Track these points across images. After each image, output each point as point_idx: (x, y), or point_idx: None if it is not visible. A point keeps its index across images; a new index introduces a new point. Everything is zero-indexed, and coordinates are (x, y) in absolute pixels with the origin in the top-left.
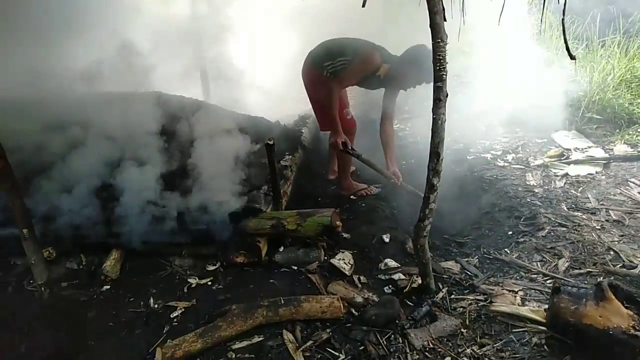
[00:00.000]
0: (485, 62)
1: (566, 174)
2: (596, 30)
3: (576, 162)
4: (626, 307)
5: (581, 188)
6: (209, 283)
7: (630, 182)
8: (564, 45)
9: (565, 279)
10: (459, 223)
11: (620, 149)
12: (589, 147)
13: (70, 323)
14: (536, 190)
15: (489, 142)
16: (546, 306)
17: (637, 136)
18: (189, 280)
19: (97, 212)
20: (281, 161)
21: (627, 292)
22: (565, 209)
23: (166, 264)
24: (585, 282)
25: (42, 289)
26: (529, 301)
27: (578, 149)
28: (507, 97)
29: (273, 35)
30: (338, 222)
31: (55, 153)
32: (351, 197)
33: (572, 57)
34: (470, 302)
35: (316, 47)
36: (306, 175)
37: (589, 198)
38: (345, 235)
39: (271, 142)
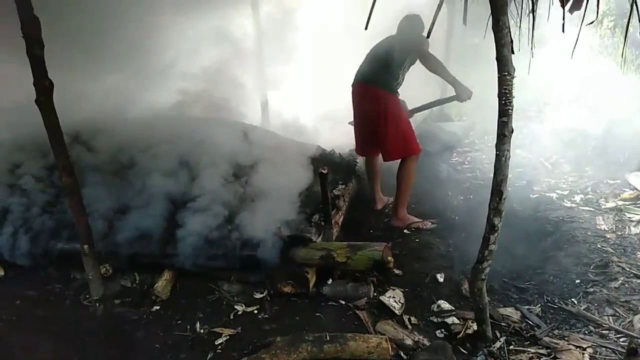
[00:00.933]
0: (551, 96)
1: None
2: None
3: None
4: None
5: None
6: (255, 311)
7: None
8: None
9: None
10: (520, 266)
11: None
12: None
13: (120, 341)
14: (608, 236)
15: (555, 181)
16: None
17: None
18: (235, 306)
19: (156, 231)
20: (334, 190)
21: None
22: None
23: (215, 289)
24: None
25: (97, 304)
26: None
27: None
28: (575, 133)
29: (332, 61)
30: (390, 258)
31: (124, 171)
32: (405, 230)
33: None
34: (531, 355)
35: (367, 70)
36: (359, 205)
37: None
38: (396, 271)
39: (325, 172)
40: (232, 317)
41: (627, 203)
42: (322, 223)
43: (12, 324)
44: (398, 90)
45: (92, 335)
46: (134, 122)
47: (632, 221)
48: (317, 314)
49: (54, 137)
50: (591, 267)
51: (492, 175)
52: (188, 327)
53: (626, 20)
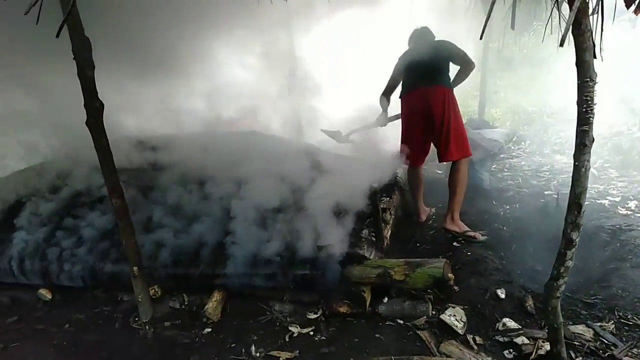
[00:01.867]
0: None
1: None
2: None
3: None
4: None
5: None
6: (311, 333)
7: None
8: None
9: None
10: (582, 279)
11: None
12: None
13: None
14: None
15: (604, 187)
16: None
17: None
18: (290, 328)
19: (206, 251)
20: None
21: None
22: None
23: (266, 309)
24: None
25: (147, 327)
26: None
27: None
28: (621, 136)
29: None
30: (450, 275)
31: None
32: (455, 241)
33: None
34: None
35: (423, 74)
36: (402, 218)
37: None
38: (454, 287)
39: (376, 186)
40: (287, 339)
41: None
42: (373, 239)
43: (64, 349)
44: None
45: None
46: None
47: None
48: (377, 335)
49: (104, 158)
50: None
51: (570, 187)
52: (243, 350)
53: None
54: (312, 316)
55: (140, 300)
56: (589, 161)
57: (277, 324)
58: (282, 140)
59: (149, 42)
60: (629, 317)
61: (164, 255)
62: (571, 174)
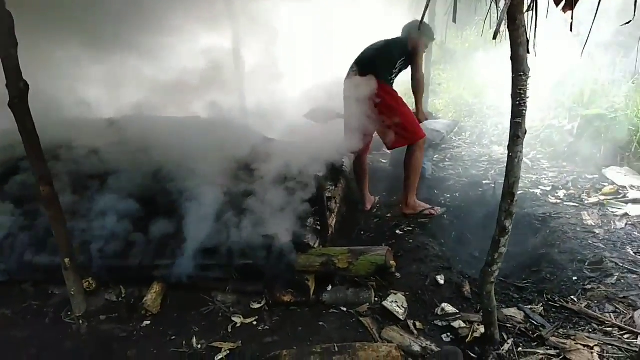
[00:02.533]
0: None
1: (626, 214)
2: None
3: (634, 201)
4: None
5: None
6: (254, 323)
7: None
8: None
9: None
10: (515, 264)
11: None
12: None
13: None
14: (596, 231)
15: (536, 177)
16: None
17: None
18: (232, 318)
19: (141, 241)
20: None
21: None
22: (632, 253)
23: (209, 300)
24: None
25: (80, 321)
26: (607, 359)
27: (634, 186)
28: (551, 129)
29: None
30: (392, 262)
31: (101, 177)
32: (398, 229)
33: None
34: (541, 356)
35: (365, 62)
36: (347, 206)
37: None
38: (396, 274)
39: (321, 174)
40: (230, 329)
41: (609, 198)
42: (318, 227)
43: None
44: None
45: (77, 355)
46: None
47: (616, 216)
48: (320, 323)
49: (29, 143)
50: (586, 264)
51: (504, 176)
52: (184, 342)
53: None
54: (256, 306)
55: (72, 293)
56: (521, 152)
57: (220, 314)
58: (227, 128)
59: (81, 17)
60: (556, 299)
61: (99, 246)
62: (505, 164)
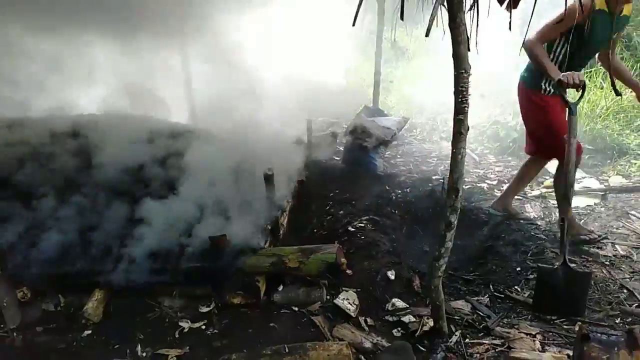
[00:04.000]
0: (474, 89)
1: None
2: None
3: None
4: None
5: (582, 220)
6: (203, 327)
7: (631, 214)
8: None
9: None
10: (463, 257)
11: (615, 180)
12: (583, 178)
13: None
14: (538, 223)
15: (483, 171)
16: (568, 352)
17: (629, 167)
18: (180, 323)
19: (80, 246)
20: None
21: None
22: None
23: (155, 305)
24: (605, 324)
25: (14, 334)
26: (548, 346)
27: None
28: (497, 125)
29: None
30: (343, 260)
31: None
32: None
33: (617, 94)
34: (487, 347)
35: None
36: (298, 204)
37: (592, 231)
38: (348, 272)
39: (270, 173)
40: (177, 335)
41: (549, 190)
42: (269, 227)
43: None
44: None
45: None
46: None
47: (556, 207)
48: (271, 324)
49: None
50: (529, 255)
51: (450, 170)
52: (128, 351)
53: None
54: (205, 309)
55: (5, 304)
56: (465, 148)
57: (167, 320)
58: (176, 126)
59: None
60: (501, 290)
61: (34, 254)
62: None
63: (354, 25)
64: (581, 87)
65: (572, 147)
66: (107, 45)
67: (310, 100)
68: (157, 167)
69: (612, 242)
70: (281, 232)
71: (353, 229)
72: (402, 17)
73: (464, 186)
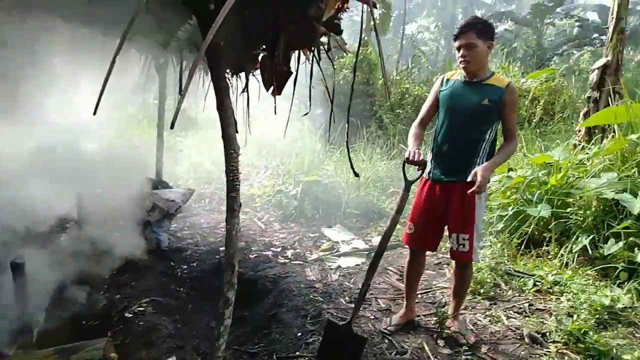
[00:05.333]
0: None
1: (339, 267)
2: (344, 136)
3: (345, 254)
4: None
5: (353, 279)
6: None
7: (389, 269)
8: (349, 164)
9: None
10: (250, 329)
11: (377, 240)
12: (352, 239)
13: None
14: (317, 286)
15: (269, 239)
16: None
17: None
18: None
19: None
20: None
21: None
22: (344, 302)
23: None
24: None
25: None
26: None
27: (344, 241)
28: (281, 194)
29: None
30: (113, 355)
31: None
32: (127, 311)
33: (356, 175)
34: None
35: None
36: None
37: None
38: None
39: (20, 262)
40: None
41: (326, 253)
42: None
43: None
44: None
45: None
46: None
47: (331, 269)
48: None
49: None
50: (308, 318)
51: (226, 246)
52: None
53: None
54: None
55: None
56: (239, 224)
57: None
58: None
59: None
60: (284, 357)
61: None
62: (242, 229)
63: (94, 114)
64: (421, 165)
65: (393, 223)
66: None
67: (82, 171)
68: None
69: (375, 297)
70: (35, 331)
71: (131, 315)
72: (180, 92)
73: (251, 255)
